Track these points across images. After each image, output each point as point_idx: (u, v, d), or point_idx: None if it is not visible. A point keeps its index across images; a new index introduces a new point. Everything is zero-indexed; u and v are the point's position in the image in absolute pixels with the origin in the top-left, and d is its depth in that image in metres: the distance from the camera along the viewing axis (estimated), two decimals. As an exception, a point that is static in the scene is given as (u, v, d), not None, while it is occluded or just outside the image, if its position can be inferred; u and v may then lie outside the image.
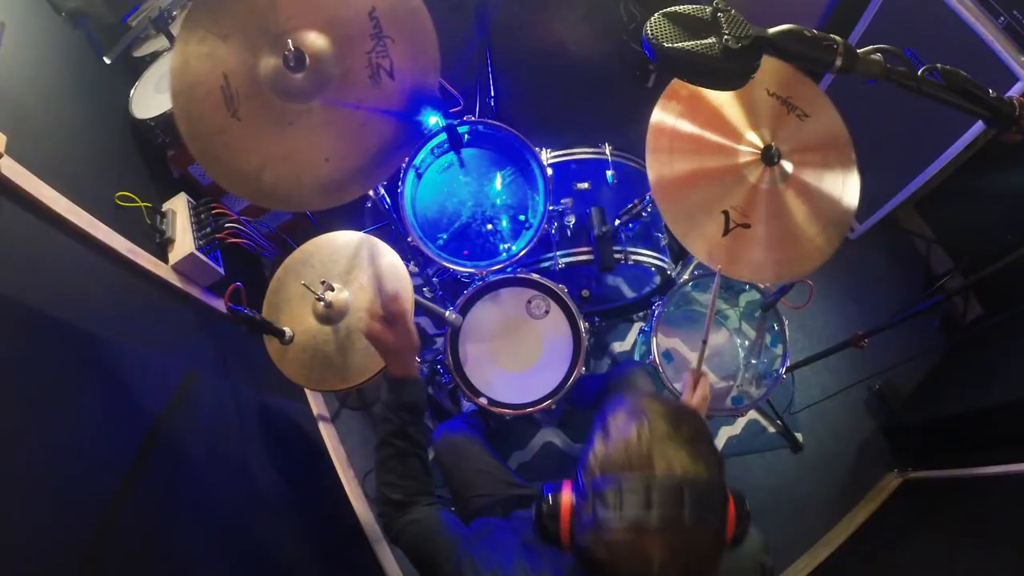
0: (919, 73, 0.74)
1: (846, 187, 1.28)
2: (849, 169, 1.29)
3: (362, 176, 1.00)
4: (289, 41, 0.98)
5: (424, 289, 2.05)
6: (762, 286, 1.71)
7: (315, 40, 1.01)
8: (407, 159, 1.64)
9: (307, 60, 0.99)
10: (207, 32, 1.03)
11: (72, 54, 1.54)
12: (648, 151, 1.26)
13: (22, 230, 1.06)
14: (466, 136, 1.72)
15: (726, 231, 1.24)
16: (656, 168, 1.26)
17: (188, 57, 1.03)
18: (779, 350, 1.71)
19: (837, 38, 0.73)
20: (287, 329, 1.30)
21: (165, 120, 1.63)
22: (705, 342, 1.29)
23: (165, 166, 1.80)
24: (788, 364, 1.67)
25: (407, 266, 1.36)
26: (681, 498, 0.64)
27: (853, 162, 1.29)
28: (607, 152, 1.78)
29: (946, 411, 1.90)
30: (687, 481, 0.65)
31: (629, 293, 2.12)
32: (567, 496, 0.75)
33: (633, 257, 1.68)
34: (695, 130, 1.28)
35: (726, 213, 1.24)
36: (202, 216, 1.63)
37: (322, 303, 1.29)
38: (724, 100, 1.30)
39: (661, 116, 1.28)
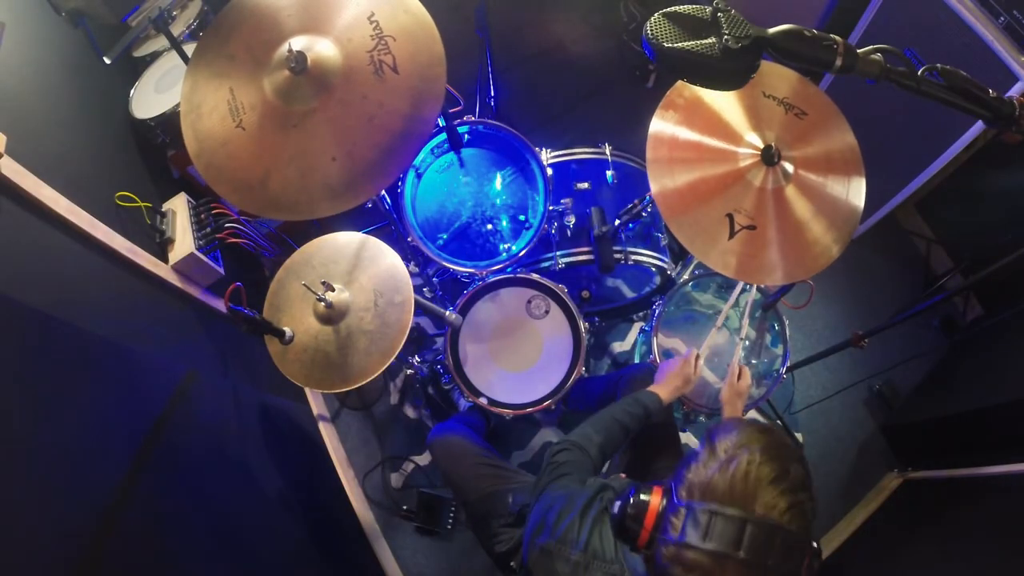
0: (919, 73, 0.74)
1: (851, 182, 1.28)
2: (854, 165, 1.28)
3: (371, 174, 0.98)
4: (290, 44, 0.98)
5: (424, 289, 2.06)
6: (762, 286, 1.71)
7: (317, 43, 1.01)
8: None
9: (309, 62, 0.99)
10: (216, 55, 1.04)
11: (72, 54, 1.53)
12: (649, 163, 1.25)
13: (22, 230, 1.06)
14: (466, 136, 1.72)
15: (731, 235, 1.23)
16: (659, 180, 1.24)
17: (197, 79, 1.05)
18: (779, 350, 1.71)
19: (837, 38, 0.73)
20: (287, 329, 1.30)
21: (165, 120, 1.63)
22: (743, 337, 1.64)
23: (165, 166, 1.80)
24: (788, 364, 1.67)
25: (407, 266, 1.36)
26: (771, 542, 0.65)
27: (858, 158, 1.28)
28: (607, 152, 1.78)
29: (946, 411, 1.90)
30: (781, 529, 0.66)
31: (629, 293, 2.12)
32: (656, 501, 0.75)
33: (633, 257, 1.68)
34: (694, 136, 1.27)
35: (730, 216, 1.23)
36: (202, 216, 1.63)
37: (323, 303, 1.29)
38: (722, 104, 1.29)
39: (660, 125, 1.27)
